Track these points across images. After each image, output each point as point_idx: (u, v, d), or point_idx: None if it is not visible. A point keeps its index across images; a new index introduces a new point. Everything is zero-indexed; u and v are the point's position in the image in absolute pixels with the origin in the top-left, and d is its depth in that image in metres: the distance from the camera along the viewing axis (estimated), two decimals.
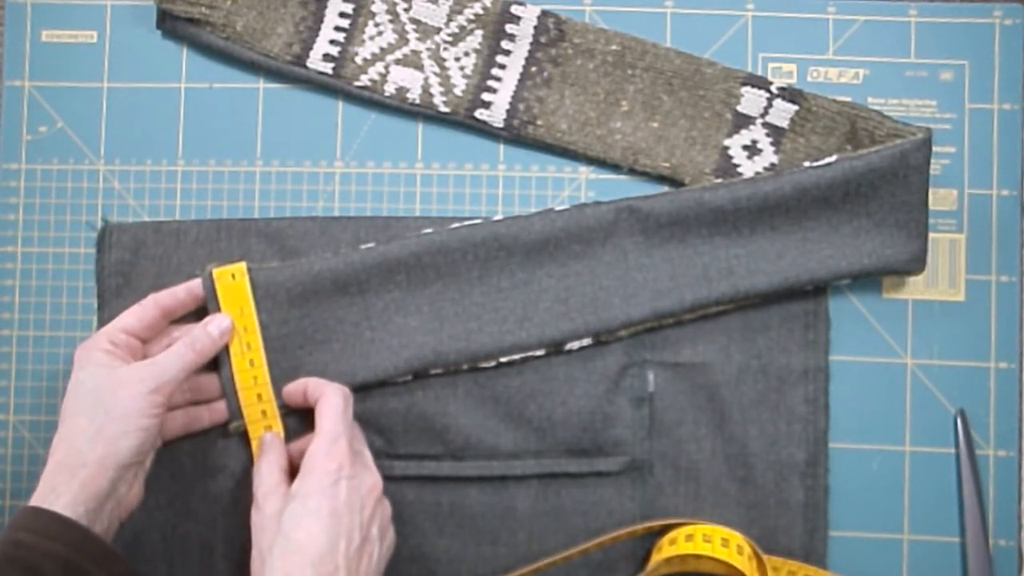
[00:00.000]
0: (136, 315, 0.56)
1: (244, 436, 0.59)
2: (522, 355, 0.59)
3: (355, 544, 0.51)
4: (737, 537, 0.57)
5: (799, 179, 0.58)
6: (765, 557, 0.57)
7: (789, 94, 0.61)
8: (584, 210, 0.59)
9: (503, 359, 0.59)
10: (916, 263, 0.59)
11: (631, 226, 0.59)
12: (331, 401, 0.55)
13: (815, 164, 0.58)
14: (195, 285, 0.58)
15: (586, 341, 0.59)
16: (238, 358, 0.58)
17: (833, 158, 0.58)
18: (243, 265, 0.58)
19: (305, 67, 0.62)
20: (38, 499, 0.51)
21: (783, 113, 0.61)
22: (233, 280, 0.58)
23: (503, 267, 0.59)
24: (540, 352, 0.59)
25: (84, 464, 0.51)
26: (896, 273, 0.59)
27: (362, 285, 0.59)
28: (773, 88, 0.61)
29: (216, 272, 0.58)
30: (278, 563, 0.50)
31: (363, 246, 0.59)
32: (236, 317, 0.58)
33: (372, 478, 0.54)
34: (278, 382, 0.58)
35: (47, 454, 0.52)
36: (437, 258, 0.59)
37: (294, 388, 0.58)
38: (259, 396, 0.58)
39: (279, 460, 0.56)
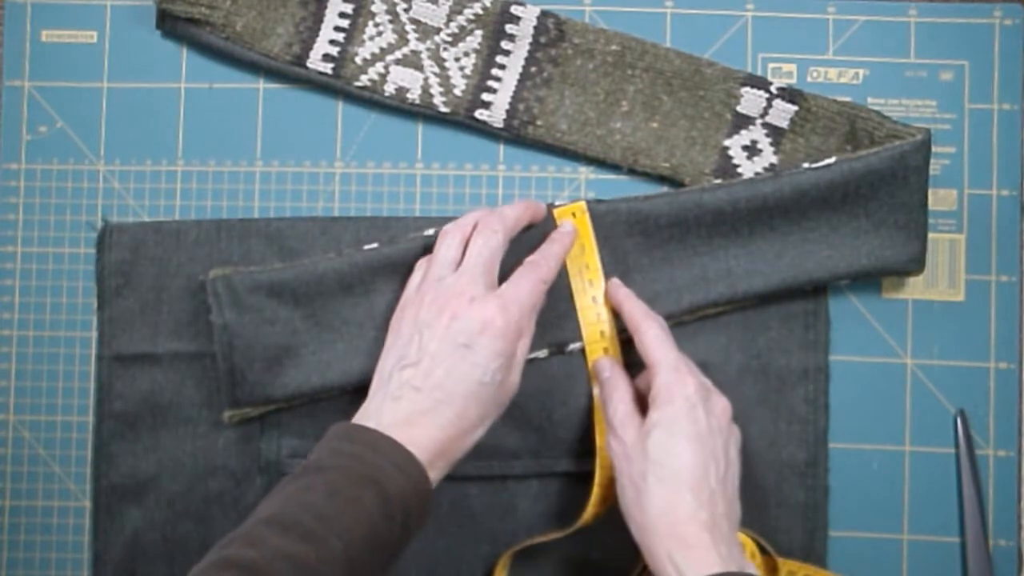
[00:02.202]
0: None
1: (244, 436, 0.59)
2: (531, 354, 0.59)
3: (721, 468, 0.52)
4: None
5: (798, 180, 0.58)
6: (766, 556, 0.57)
7: (789, 94, 0.61)
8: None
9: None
10: (915, 264, 0.59)
11: (630, 227, 0.59)
12: (652, 332, 0.55)
13: (814, 165, 0.58)
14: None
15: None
16: (581, 295, 0.59)
17: (832, 159, 0.58)
18: (583, 203, 0.59)
19: (305, 67, 0.62)
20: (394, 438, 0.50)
21: (783, 113, 0.61)
22: (574, 218, 0.59)
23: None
24: (542, 353, 0.59)
25: (462, 449, 0.52)
26: (895, 274, 0.59)
27: (366, 286, 0.59)
28: (773, 88, 0.61)
29: (557, 212, 0.59)
30: (655, 489, 0.51)
31: (366, 247, 0.59)
32: (577, 255, 0.59)
33: (721, 400, 0.54)
34: (274, 382, 0.58)
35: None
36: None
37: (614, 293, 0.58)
38: (602, 333, 0.59)
39: (628, 390, 0.56)
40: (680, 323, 0.60)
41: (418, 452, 0.49)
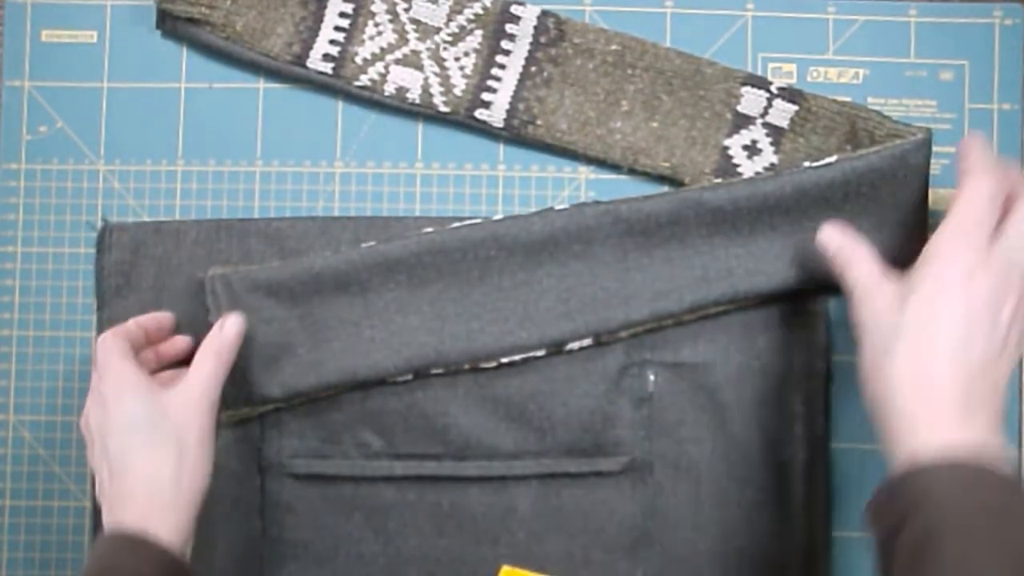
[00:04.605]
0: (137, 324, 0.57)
1: (244, 436, 0.59)
2: (523, 356, 0.59)
3: (993, 347, 0.47)
4: None
5: (799, 179, 0.58)
6: None
7: (789, 94, 0.61)
8: (584, 210, 0.59)
9: (504, 360, 0.59)
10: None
11: (631, 226, 0.59)
12: (975, 189, 0.49)
13: (815, 164, 0.58)
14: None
15: (586, 341, 0.59)
16: None
17: (833, 158, 0.58)
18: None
19: (305, 67, 0.62)
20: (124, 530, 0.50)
21: (783, 113, 0.61)
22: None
23: (503, 267, 0.59)
24: (541, 352, 0.59)
25: (177, 496, 0.51)
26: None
27: (363, 284, 0.59)
28: (773, 88, 0.61)
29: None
30: (906, 353, 0.47)
31: (364, 245, 0.59)
32: None
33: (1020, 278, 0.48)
34: (271, 381, 0.58)
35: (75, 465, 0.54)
36: (438, 258, 0.59)
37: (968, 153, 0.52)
38: None
39: (869, 251, 0.52)
40: (680, 323, 0.60)
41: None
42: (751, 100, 0.61)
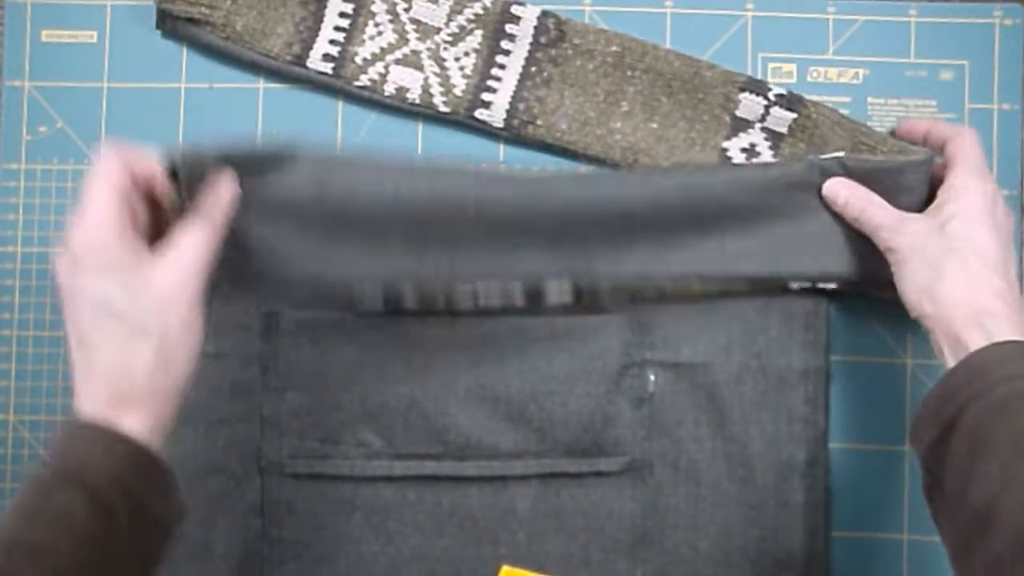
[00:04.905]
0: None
1: (244, 436, 0.59)
2: (501, 297, 0.59)
3: (1012, 269, 0.53)
4: None
5: (801, 170, 0.57)
6: None
7: (787, 101, 0.61)
8: (594, 174, 0.60)
9: (481, 300, 0.58)
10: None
11: (635, 191, 0.58)
12: (969, 141, 0.56)
13: (823, 157, 0.57)
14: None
15: (567, 289, 0.59)
16: None
17: (841, 154, 0.57)
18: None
19: (305, 67, 0.62)
20: (92, 419, 0.44)
21: (781, 120, 0.61)
22: None
23: (500, 199, 0.57)
24: (519, 296, 0.59)
25: (152, 387, 0.45)
26: (880, 282, 0.57)
27: (352, 192, 0.56)
28: (771, 95, 0.61)
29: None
30: (958, 270, 0.51)
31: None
32: None
33: (1010, 213, 0.55)
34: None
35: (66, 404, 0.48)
36: (435, 177, 0.57)
37: (912, 128, 0.59)
38: None
39: (879, 198, 0.56)
40: (663, 298, 0.60)
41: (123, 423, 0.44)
42: (749, 106, 0.61)
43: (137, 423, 0.45)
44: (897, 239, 0.54)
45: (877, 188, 0.56)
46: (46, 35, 0.63)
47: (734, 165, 0.59)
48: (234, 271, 0.54)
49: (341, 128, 0.62)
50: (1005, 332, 0.49)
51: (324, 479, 0.60)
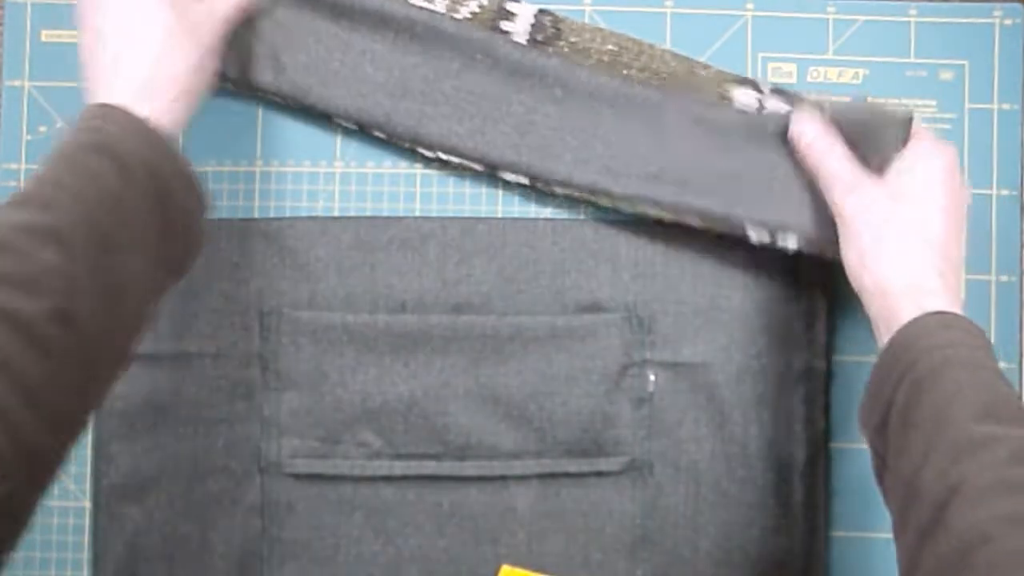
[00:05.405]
0: None
1: (244, 436, 0.59)
2: (460, 159, 0.60)
3: (956, 249, 0.52)
4: None
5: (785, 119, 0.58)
6: None
7: (782, 95, 0.60)
8: (581, 68, 0.59)
9: (443, 155, 0.60)
10: None
11: (616, 100, 0.59)
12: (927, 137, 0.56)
13: (806, 100, 0.58)
14: None
15: (523, 179, 0.59)
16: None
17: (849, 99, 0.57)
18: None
19: None
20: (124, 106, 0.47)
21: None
22: None
23: (483, 74, 0.59)
24: (478, 166, 0.60)
25: (187, 91, 0.50)
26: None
27: (354, 23, 0.59)
28: (765, 89, 0.60)
29: None
30: (895, 238, 0.51)
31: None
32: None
33: (966, 190, 0.55)
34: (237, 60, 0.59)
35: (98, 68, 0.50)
36: (430, 32, 0.59)
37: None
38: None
39: (844, 150, 0.55)
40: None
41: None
42: (744, 100, 0.61)
43: (165, 117, 0.48)
44: (847, 200, 0.54)
45: (850, 139, 0.56)
46: (46, 35, 0.63)
47: (717, 104, 0.59)
48: (243, 48, 0.58)
49: (341, 128, 0.62)
50: (938, 308, 0.49)
51: (324, 479, 0.60)
